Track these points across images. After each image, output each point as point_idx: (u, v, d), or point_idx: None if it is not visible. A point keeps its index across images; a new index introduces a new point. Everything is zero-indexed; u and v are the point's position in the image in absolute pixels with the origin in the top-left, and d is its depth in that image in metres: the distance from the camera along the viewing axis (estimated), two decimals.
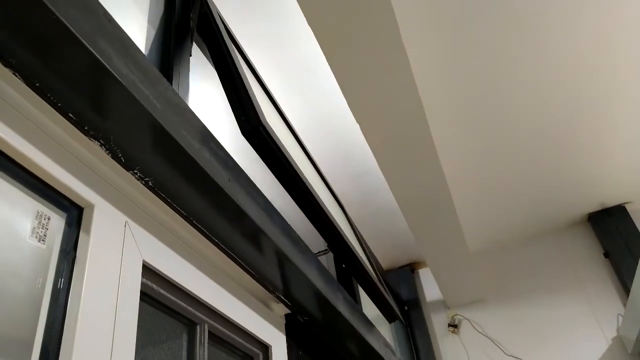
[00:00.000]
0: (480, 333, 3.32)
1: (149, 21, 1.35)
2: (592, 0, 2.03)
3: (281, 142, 1.11)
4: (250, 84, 1.20)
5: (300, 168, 1.30)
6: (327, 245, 1.42)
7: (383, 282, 2.13)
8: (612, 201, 3.28)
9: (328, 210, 1.38)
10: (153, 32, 1.32)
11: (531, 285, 3.36)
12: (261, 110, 1.05)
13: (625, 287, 3.03)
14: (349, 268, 1.56)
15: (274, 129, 1.50)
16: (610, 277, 3.16)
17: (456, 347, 3.36)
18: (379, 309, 1.83)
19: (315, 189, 1.74)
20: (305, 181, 1.20)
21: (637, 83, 2.44)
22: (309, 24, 1.53)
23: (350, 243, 1.54)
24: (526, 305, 3.31)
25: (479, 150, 2.73)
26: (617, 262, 3.10)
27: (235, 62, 1.16)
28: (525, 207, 3.26)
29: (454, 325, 3.42)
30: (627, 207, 3.28)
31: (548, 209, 3.30)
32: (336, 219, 1.87)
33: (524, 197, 3.15)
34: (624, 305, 2.96)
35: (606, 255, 3.22)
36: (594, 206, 3.32)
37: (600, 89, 2.45)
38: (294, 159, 1.23)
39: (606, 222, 3.28)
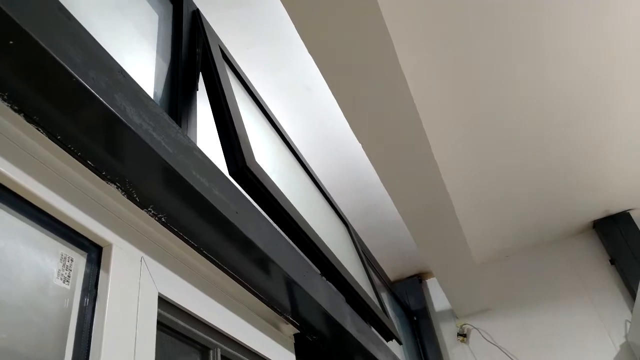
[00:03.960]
0: (489, 342, 3.35)
1: (158, 52, 1.42)
2: (592, 9, 2.08)
3: (269, 180, 1.18)
4: (243, 119, 1.26)
5: (293, 196, 1.36)
6: (321, 273, 1.47)
7: (382, 300, 2.17)
8: (616, 208, 3.31)
9: (319, 240, 1.44)
10: (162, 64, 1.38)
11: (538, 293, 3.39)
12: (249, 151, 1.12)
13: (632, 293, 3.04)
14: (343, 294, 1.61)
15: (269, 151, 1.56)
16: (616, 284, 3.18)
17: (466, 357, 3.38)
18: (376, 330, 1.87)
19: (314, 209, 1.80)
20: (293, 216, 1.27)
21: (638, 90, 2.48)
22: (309, 50, 1.59)
23: (344, 270, 1.59)
24: (534, 314, 3.33)
25: (482, 160, 2.77)
26: (623, 268, 3.12)
27: (228, 100, 1.22)
28: (530, 216, 3.29)
29: (463, 335, 3.45)
30: (632, 213, 3.30)
31: (553, 217, 3.33)
32: (335, 237, 1.93)
33: (529, 206, 3.19)
34: (632, 311, 2.98)
35: (612, 261, 3.24)
36: (599, 213, 3.35)
37: (602, 96, 2.49)
38: (285, 192, 1.29)
39: (611, 229, 3.30)
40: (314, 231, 1.41)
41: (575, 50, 2.23)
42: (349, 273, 1.65)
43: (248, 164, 1.06)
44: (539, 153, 2.77)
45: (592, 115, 2.59)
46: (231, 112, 1.17)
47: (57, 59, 0.64)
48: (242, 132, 1.15)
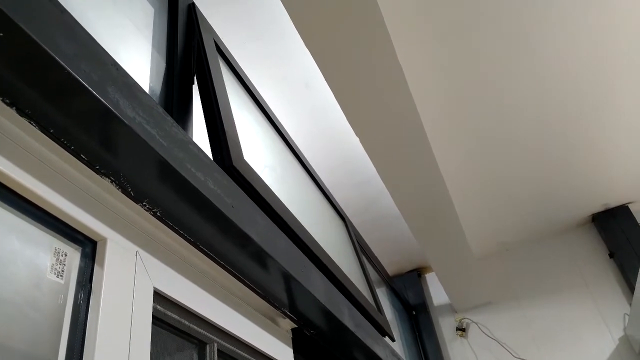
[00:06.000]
0: (488, 336, 3.35)
1: (154, 46, 1.41)
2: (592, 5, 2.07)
3: (257, 178, 1.18)
4: (236, 114, 1.26)
5: (287, 191, 1.36)
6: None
7: (376, 296, 2.17)
8: (615, 202, 3.31)
9: (310, 238, 1.44)
10: (157, 58, 1.37)
11: (537, 287, 3.39)
12: (237, 149, 1.11)
13: (630, 287, 3.05)
14: (337, 288, 1.62)
15: (264, 145, 1.55)
16: (615, 277, 3.19)
17: (465, 351, 3.39)
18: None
19: (309, 203, 1.79)
20: (282, 214, 1.27)
21: (636, 84, 2.47)
22: (306, 45, 1.59)
23: (337, 270, 1.59)
24: (533, 307, 3.34)
25: (481, 154, 2.77)
26: (622, 262, 3.13)
27: (218, 95, 1.21)
28: (529, 210, 3.29)
29: (462, 329, 3.45)
30: (631, 207, 3.31)
31: (552, 211, 3.33)
32: (330, 232, 1.92)
33: (528, 200, 3.19)
34: (630, 304, 2.98)
35: (611, 255, 3.25)
36: (598, 207, 3.35)
37: (602, 90, 2.48)
38: (278, 188, 1.29)
39: (610, 223, 3.31)
40: (304, 229, 1.41)
41: (576, 45, 2.22)
42: (342, 272, 1.65)
43: (234, 162, 1.06)
44: (538, 147, 2.77)
45: (591, 109, 2.59)
46: (220, 107, 1.16)
47: (48, 51, 0.63)
48: (230, 129, 1.14)
